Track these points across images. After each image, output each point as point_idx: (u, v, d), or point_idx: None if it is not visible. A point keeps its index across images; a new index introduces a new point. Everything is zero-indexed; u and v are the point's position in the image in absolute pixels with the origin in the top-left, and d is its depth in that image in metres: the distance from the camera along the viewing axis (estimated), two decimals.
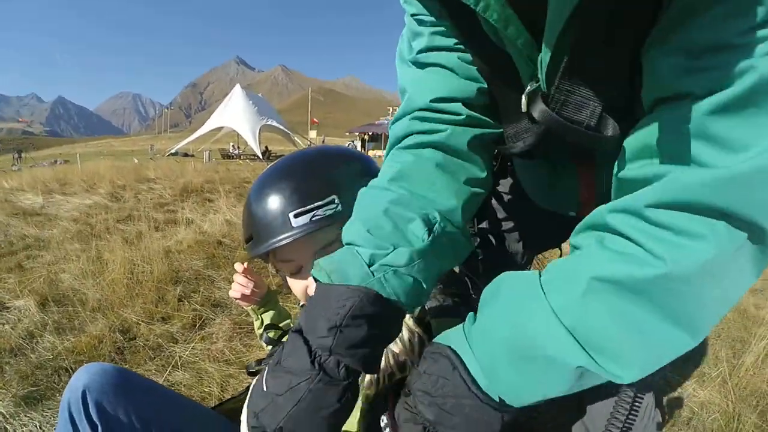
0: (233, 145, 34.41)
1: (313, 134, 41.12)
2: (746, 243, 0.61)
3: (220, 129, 33.74)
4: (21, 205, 7.52)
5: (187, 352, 3.04)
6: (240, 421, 1.62)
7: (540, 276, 0.75)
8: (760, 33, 0.56)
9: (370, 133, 48.13)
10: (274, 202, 1.09)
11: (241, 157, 29.14)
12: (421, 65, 1.01)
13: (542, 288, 0.73)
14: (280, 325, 1.69)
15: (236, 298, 1.71)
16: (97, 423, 1.41)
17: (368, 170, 1.18)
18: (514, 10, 0.75)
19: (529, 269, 1.53)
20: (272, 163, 1.23)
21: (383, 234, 0.84)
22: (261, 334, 1.68)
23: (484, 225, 1.53)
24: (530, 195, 1.40)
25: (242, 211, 1.22)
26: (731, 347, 3.61)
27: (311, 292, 0.88)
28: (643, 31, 0.69)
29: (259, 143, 29.72)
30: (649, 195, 0.64)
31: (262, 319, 1.77)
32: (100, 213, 7.01)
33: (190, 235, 5.50)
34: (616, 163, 0.78)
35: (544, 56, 0.76)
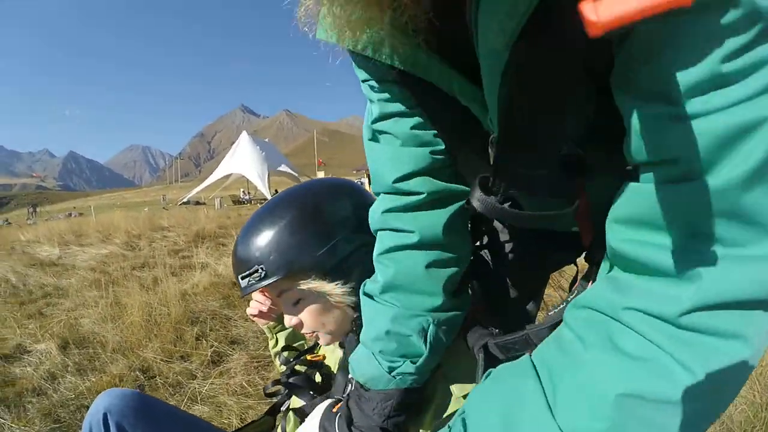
0: (243, 191, 34.77)
1: (321, 175, 41.49)
2: None
3: (229, 176, 34.02)
4: (38, 257, 7.72)
5: (206, 388, 3.11)
6: None
7: (539, 378, 0.64)
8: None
9: None
10: (233, 262, 1.26)
11: (252, 201, 29.48)
12: (376, 137, 1.02)
13: (547, 401, 0.60)
14: (295, 345, 1.78)
15: (253, 315, 1.77)
16: None
17: (317, 206, 1.26)
18: (450, 64, 0.75)
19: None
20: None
21: (391, 351, 1.00)
22: (276, 353, 1.77)
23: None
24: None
25: None
26: None
27: (287, 323, 1.24)
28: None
29: (269, 187, 30.00)
30: (684, 301, 0.52)
31: (277, 339, 1.83)
32: (116, 261, 7.18)
33: (206, 278, 5.61)
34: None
35: (492, 115, 0.71)
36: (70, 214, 28.84)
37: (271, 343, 1.83)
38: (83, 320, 4.37)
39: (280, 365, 1.72)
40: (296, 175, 35.24)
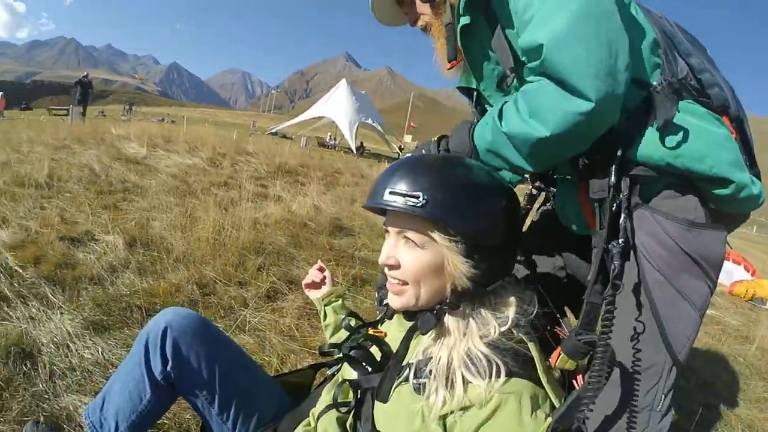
0: (330, 136, 34.97)
1: (408, 138, 41.08)
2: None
3: (320, 118, 34.46)
4: (125, 152, 8.01)
5: (256, 320, 3.14)
6: (297, 397, 1.69)
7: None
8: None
9: None
10: (388, 175, 1.22)
11: (336, 148, 29.68)
12: None
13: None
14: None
15: (306, 284, 2.01)
16: (169, 358, 1.52)
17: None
18: None
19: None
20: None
21: None
22: (326, 326, 1.93)
23: None
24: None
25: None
26: None
27: (384, 260, 1.24)
28: None
29: (355, 138, 30.18)
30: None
31: (325, 312, 1.93)
32: (198, 174, 7.37)
33: (279, 212, 5.66)
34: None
35: None
36: (163, 120, 30.03)
37: (321, 315, 1.96)
38: (154, 223, 4.50)
39: (340, 329, 1.79)
40: (383, 132, 35.23)
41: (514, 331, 1.16)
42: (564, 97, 1.14)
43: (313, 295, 2.00)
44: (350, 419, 1.30)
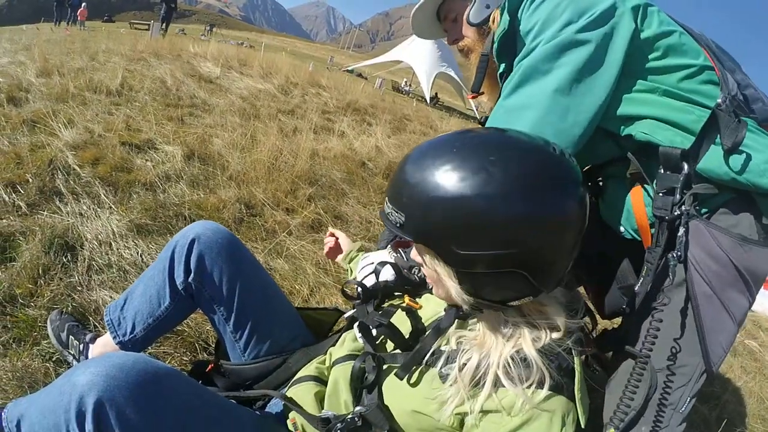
0: (406, 82, 34.51)
1: (484, 97, 40.33)
2: None
3: (398, 62, 33.95)
4: (199, 70, 8.14)
5: (295, 247, 3.17)
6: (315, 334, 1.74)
7: None
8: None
9: None
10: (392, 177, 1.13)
11: (410, 95, 29.32)
12: None
13: None
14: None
15: (327, 254, 2.14)
16: (192, 270, 1.55)
17: None
18: None
19: None
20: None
21: None
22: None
23: None
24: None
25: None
26: None
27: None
28: None
29: (431, 88, 29.69)
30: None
31: (350, 269, 1.95)
32: (267, 100, 7.43)
33: (339, 147, 5.65)
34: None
35: None
36: (242, 43, 30.27)
37: (349, 274, 1.98)
38: (215, 140, 4.57)
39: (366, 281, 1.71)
40: (461, 84, 34.53)
41: (566, 340, 1.06)
42: None
43: (338, 259, 2.09)
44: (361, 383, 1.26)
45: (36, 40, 8.53)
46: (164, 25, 22.60)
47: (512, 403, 0.99)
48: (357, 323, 1.38)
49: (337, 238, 2.10)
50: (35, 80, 5.16)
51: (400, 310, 1.37)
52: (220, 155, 4.17)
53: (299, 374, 1.46)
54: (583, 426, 1.01)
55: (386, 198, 1.08)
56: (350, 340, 1.43)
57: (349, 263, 1.97)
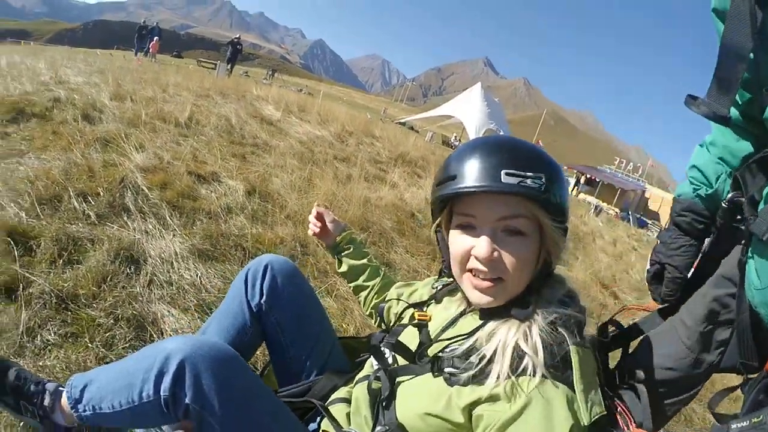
0: (456, 136, 34.84)
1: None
2: None
3: (448, 117, 34.50)
4: (261, 112, 8.49)
5: (344, 288, 3.26)
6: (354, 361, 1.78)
7: None
8: None
9: (588, 176, 45.85)
10: (492, 155, 1.14)
11: None
12: None
13: None
14: (360, 263, 1.92)
15: (312, 233, 1.95)
16: (264, 292, 1.66)
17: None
18: None
19: None
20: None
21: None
22: (342, 274, 1.94)
23: None
24: None
25: (449, 156, 1.27)
26: None
27: (476, 253, 1.14)
28: None
29: None
30: None
31: (339, 260, 1.93)
32: (323, 146, 7.67)
33: (390, 197, 5.78)
34: None
35: None
36: (301, 90, 31.24)
37: (336, 264, 1.97)
38: (275, 179, 4.77)
39: (359, 276, 1.89)
40: None
41: (561, 330, 1.10)
42: None
43: (324, 241, 1.98)
44: (377, 399, 1.32)
45: (110, 66, 9.07)
46: (230, 66, 23.75)
47: (513, 391, 1.03)
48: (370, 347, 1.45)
49: (323, 221, 1.93)
50: (108, 102, 5.60)
51: (410, 326, 1.42)
52: (279, 194, 4.35)
53: (332, 397, 1.53)
54: (584, 424, 1.00)
55: (503, 168, 1.10)
56: (369, 365, 1.49)
57: (338, 254, 1.93)
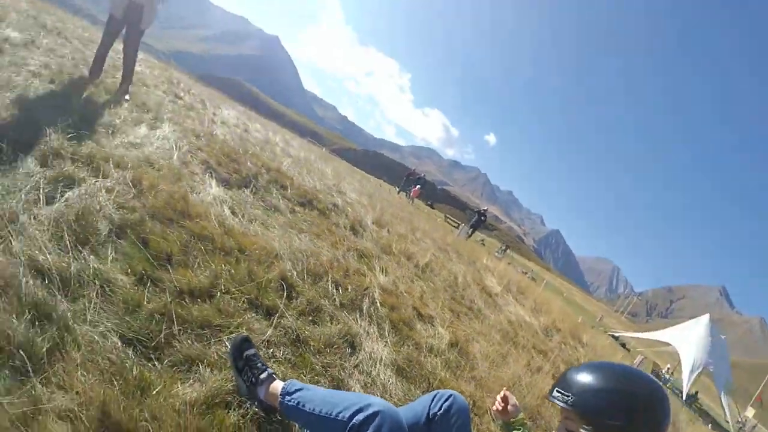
0: (669, 369, 30.45)
1: (750, 413, 32.56)
2: None
3: (666, 344, 30.69)
4: (485, 282, 9.16)
5: None
6: None
7: None
8: None
9: None
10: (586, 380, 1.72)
11: (669, 384, 25.86)
12: None
13: None
14: None
15: (495, 410, 2.55)
16: (442, 409, 2.32)
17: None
18: None
19: None
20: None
21: None
22: None
23: None
24: None
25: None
26: None
27: None
28: None
29: (691, 383, 25.29)
30: None
31: None
32: (528, 332, 7.95)
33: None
34: None
35: None
36: (526, 273, 31.90)
37: None
38: (475, 343, 5.34)
39: None
40: (721, 391, 28.44)
41: None
42: None
43: (501, 417, 2.55)
44: None
45: (377, 195, 10.69)
46: (471, 230, 25.59)
47: None
48: None
49: (507, 402, 2.52)
50: (370, 225, 7.03)
51: None
52: (474, 357, 4.86)
53: None
54: None
55: (556, 387, 1.78)
56: None
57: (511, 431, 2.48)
